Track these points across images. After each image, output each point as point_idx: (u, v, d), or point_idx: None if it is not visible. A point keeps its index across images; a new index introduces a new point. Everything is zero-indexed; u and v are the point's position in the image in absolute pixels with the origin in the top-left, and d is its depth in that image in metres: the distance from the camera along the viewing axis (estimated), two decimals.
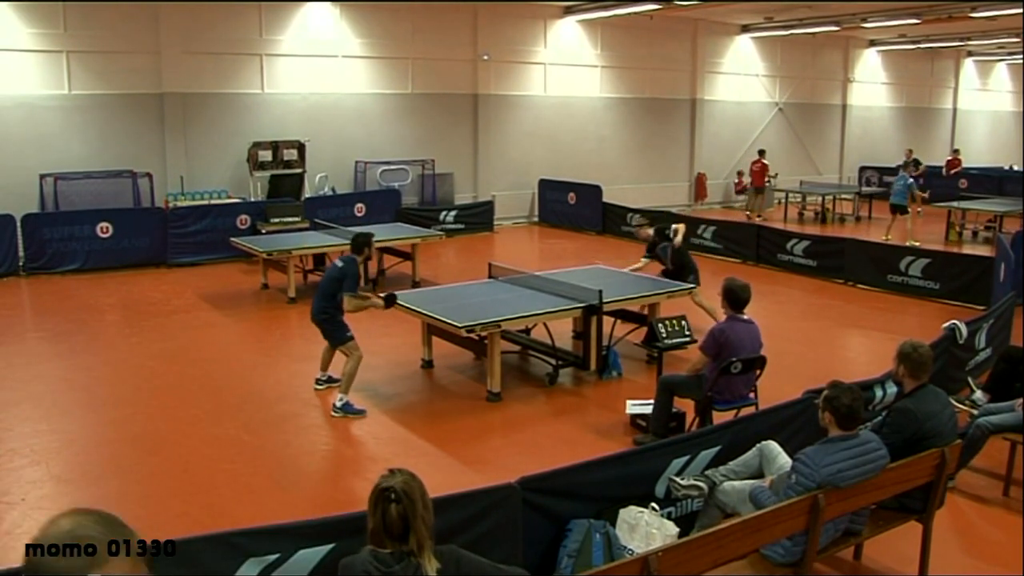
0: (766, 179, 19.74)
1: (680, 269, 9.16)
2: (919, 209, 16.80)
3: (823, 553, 4.12)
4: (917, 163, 18.77)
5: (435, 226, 15.18)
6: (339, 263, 7.14)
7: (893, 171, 22.07)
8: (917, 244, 14.01)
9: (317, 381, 7.55)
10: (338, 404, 6.93)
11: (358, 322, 10.50)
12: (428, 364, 8.22)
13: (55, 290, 11.82)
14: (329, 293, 7.04)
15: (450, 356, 8.32)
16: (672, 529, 4.17)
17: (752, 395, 6.17)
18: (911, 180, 16.10)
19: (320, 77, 16.24)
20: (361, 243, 7.35)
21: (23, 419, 6.89)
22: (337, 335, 7.17)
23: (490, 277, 9.09)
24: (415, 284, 11.60)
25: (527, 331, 8.45)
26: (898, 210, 15.95)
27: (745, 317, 6.05)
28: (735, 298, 6.01)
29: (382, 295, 7.36)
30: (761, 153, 19.94)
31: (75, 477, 5.83)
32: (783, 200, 20.70)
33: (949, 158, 24.65)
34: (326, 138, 16.26)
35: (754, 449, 4.60)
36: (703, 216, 17.10)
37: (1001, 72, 31.14)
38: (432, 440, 6.48)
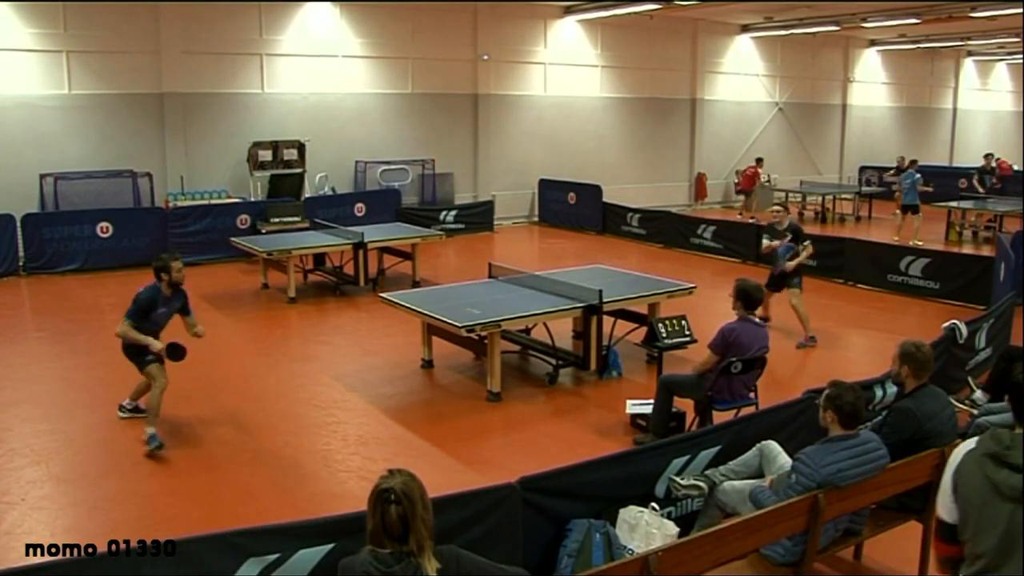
0: (756, 183, 19.81)
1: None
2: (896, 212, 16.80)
3: (823, 553, 4.12)
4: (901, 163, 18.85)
5: (435, 226, 15.19)
6: (138, 292, 6.38)
7: (894, 170, 22.08)
8: (920, 244, 14.01)
9: (121, 408, 6.86)
10: (145, 439, 6.18)
11: (358, 322, 10.56)
12: (428, 364, 8.22)
13: (55, 290, 11.82)
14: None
15: (450, 356, 8.31)
16: (672, 529, 4.16)
17: (752, 395, 6.18)
18: (918, 176, 16.08)
19: (320, 77, 16.25)
20: (157, 268, 6.38)
21: (23, 419, 6.89)
22: (135, 360, 6.39)
23: (490, 277, 9.10)
24: (415, 284, 11.60)
25: (527, 331, 8.45)
26: (910, 209, 15.88)
27: (757, 320, 6.08)
28: (749, 298, 6.06)
29: (168, 344, 6.33)
30: (758, 161, 19.97)
31: (75, 477, 5.83)
32: (783, 200, 20.67)
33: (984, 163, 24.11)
34: (326, 138, 16.26)
35: (754, 449, 4.61)
36: (703, 216, 17.11)
37: (1001, 72, 31.15)
38: (432, 440, 6.48)
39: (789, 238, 9.28)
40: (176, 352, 6.33)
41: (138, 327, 6.27)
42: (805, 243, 9.26)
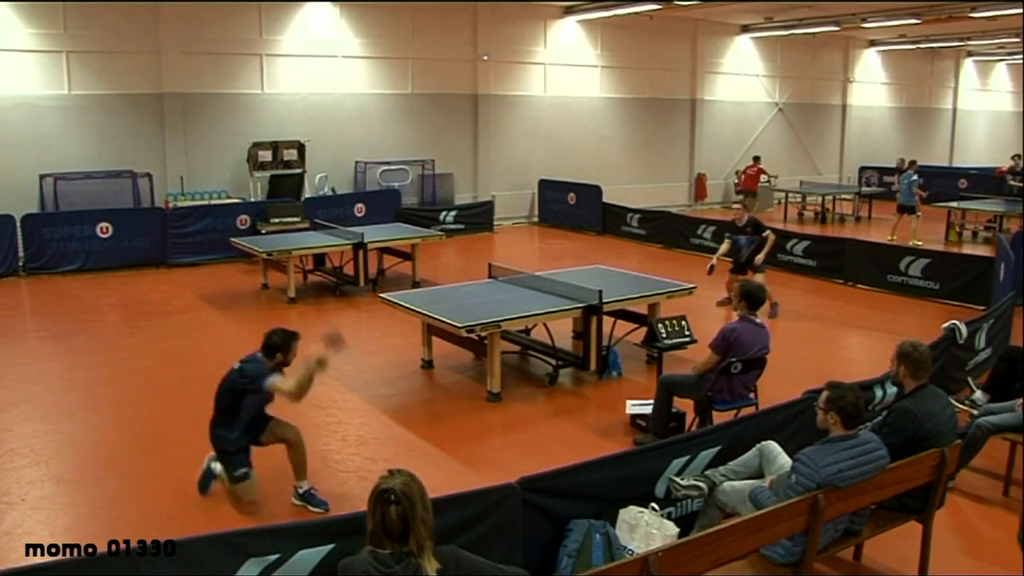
0: (759, 183, 19.82)
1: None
2: (918, 213, 16.74)
3: (823, 553, 4.12)
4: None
5: (435, 226, 15.19)
6: (241, 367, 5.21)
7: (893, 171, 22.07)
8: (920, 244, 14.01)
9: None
10: (300, 492, 5.38)
11: (357, 322, 10.58)
12: (428, 364, 8.22)
13: (55, 290, 11.82)
14: (225, 410, 5.23)
15: (450, 356, 8.32)
16: (672, 529, 4.17)
17: (752, 395, 6.18)
18: (915, 177, 16.08)
19: (320, 77, 16.25)
20: (274, 344, 5.17)
21: (23, 419, 6.89)
22: (229, 466, 5.29)
23: (490, 277, 9.10)
24: (415, 284, 11.60)
25: (527, 331, 8.45)
26: (906, 210, 15.90)
27: (758, 320, 6.08)
28: (752, 299, 6.07)
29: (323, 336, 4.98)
30: (756, 159, 19.98)
31: (75, 477, 5.83)
32: (783, 200, 20.72)
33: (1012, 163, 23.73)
34: (326, 138, 16.26)
35: (754, 449, 4.61)
36: (703, 216, 17.11)
37: (1001, 72, 31.15)
38: (432, 440, 6.48)
39: (750, 231, 10.35)
40: (336, 340, 4.97)
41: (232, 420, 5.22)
42: (765, 233, 10.22)
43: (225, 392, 5.24)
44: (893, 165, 22.06)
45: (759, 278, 9.94)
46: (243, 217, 13.96)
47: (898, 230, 15.82)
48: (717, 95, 22.30)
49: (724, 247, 10.54)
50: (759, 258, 10.09)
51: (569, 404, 7.42)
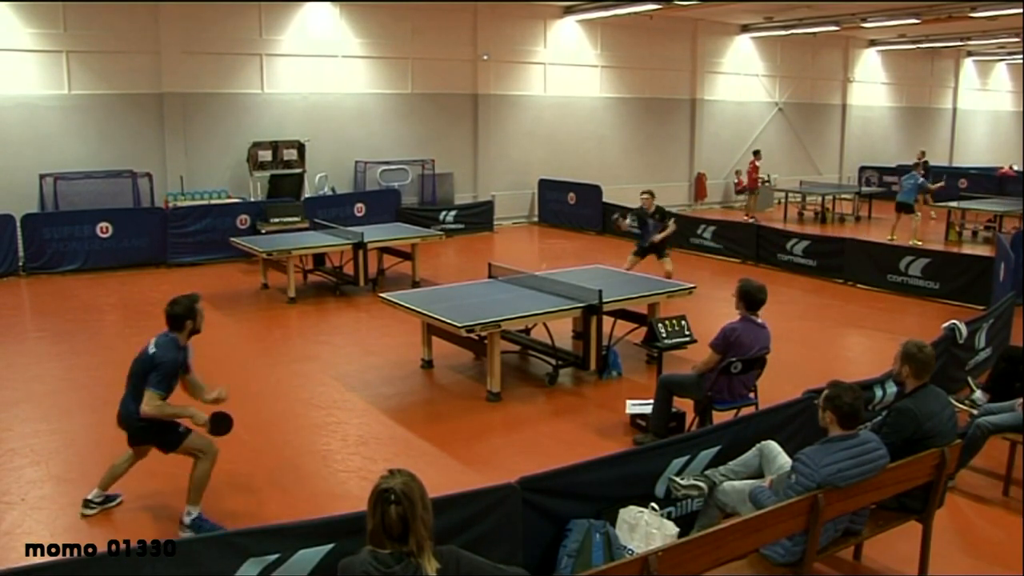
0: (758, 180, 19.83)
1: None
2: (932, 213, 16.63)
3: (823, 553, 4.12)
4: (926, 164, 18.68)
5: (435, 226, 15.19)
6: (152, 347, 5.06)
7: (893, 171, 22.04)
8: (919, 244, 14.00)
9: (86, 503, 5.24)
10: (187, 522, 5.01)
11: (357, 322, 10.57)
12: (428, 364, 8.22)
13: (55, 290, 11.82)
14: (142, 389, 5.02)
15: (450, 356, 8.32)
16: (672, 529, 4.17)
17: (752, 395, 6.18)
18: (921, 180, 16.04)
19: (320, 77, 16.25)
20: (180, 314, 5.04)
21: (23, 419, 6.89)
22: (168, 439, 5.07)
23: (490, 277, 9.10)
24: (415, 284, 11.60)
25: (527, 331, 8.45)
26: (904, 209, 15.92)
27: (759, 320, 6.05)
28: (751, 299, 6.00)
29: (213, 415, 5.08)
30: (756, 154, 19.93)
31: (75, 477, 5.83)
32: (783, 200, 20.72)
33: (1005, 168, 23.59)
34: (326, 138, 16.26)
35: (754, 449, 4.61)
36: (703, 216, 17.11)
37: (1001, 72, 31.16)
38: (432, 440, 6.48)
39: (657, 218, 11.31)
40: (222, 425, 5.07)
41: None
42: (669, 221, 11.32)
43: (139, 374, 5.05)
44: (893, 165, 22.04)
45: (665, 263, 11.06)
46: (243, 217, 13.96)
47: (898, 230, 15.82)
48: (717, 95, 22.30)
49: (631, 223, 11.62)
50: (657, 238, 11.11)
51: (569, 404, 7.42)
